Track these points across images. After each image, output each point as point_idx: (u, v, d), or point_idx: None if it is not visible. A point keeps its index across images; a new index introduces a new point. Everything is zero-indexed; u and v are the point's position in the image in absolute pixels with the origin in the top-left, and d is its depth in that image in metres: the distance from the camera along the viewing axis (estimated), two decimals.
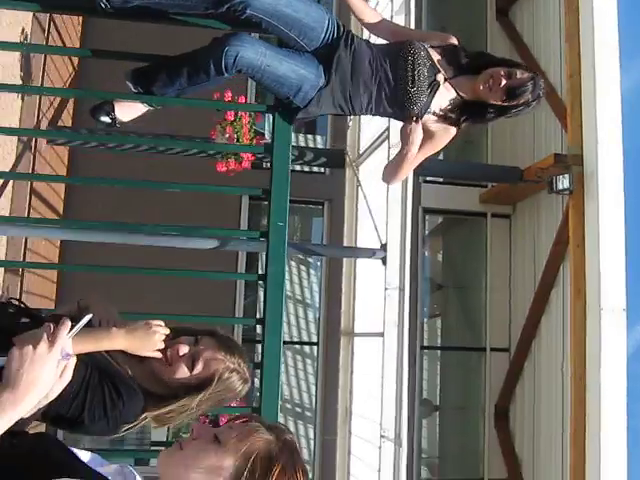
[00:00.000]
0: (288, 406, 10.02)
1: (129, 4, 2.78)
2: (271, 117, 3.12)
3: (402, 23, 6.27)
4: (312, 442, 9.84)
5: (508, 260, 8.84)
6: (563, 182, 6.75)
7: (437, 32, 3.18)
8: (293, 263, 10.16)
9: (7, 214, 7.04)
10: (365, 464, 7.36)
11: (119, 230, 5.77)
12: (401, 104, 2.96)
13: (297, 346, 10.28)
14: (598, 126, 6.60)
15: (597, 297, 6.37)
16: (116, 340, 2.17)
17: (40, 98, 7.88)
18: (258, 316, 9.40)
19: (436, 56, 3.01)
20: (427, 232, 9.55)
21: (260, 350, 3.02)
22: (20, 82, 6.96)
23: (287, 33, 2.85)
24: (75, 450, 1.47)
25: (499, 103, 3.00)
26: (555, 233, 7.43)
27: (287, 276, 3.10)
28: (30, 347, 1.35)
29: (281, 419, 3.02)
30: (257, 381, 2.99)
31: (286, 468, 1.36)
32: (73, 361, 1.41)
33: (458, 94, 3.03)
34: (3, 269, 7.00)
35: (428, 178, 8.79)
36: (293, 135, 3.20)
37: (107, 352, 2.20)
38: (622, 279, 6.41)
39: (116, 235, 5.94)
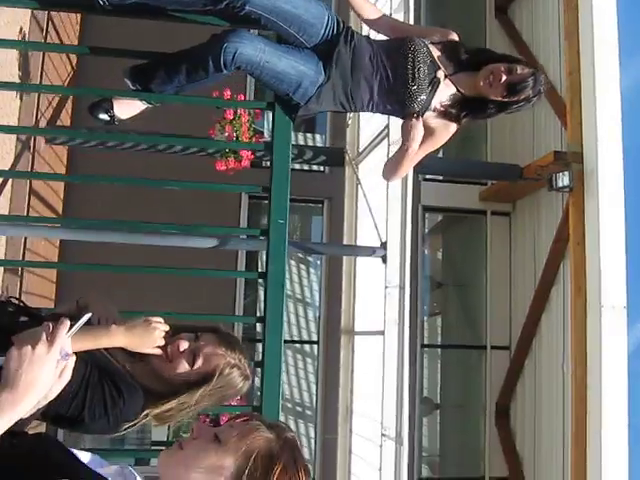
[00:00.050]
0: (289, 405, 10.01)
1: (127, 1, 2.77)
2: (270, 115, 3.11)
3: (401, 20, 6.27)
4: (313, 441, 9.83)
5: (508, 258, 8.83)
6: (563, 180, 6.74)
7: (437, 28, 3.15)
8: (293, 262, 10.15)
9: (6, 214, 7.03)
10: (366, 463, 7.36)
11: (119, 229, 5.77)
12: (402, 101, 2.95)
13: (297, 345, 10.27)
14: (598, 123, 6.59)
15: (597, 295, 6.37)
16: (116, 337, 2.16)
17: (39, 98, 7.86)
18: (258, 315, 9.42)
19: (436, 52, 2.99)
20: (427, 230, 9.54)
21: (261, 349, 3.01)
22: (18, 81, 6.95)
23: (286, 29, 2.83)
24: (75, 451, 1.46)
25: (499, 99, 2.99)
26: (555, 231, 7.43)
27: (287, 275, 3.07)
28: (29, 347, 1.34)
29: (282, 418, 3.01)
30: (258, 380, 2.98)
31: (287, 466, 1.35)
32: (72, 361, 1.40)
33: (458, 90, 3.01)
34: (2, 269, 6.99)
35: (428, 176, 8.79)
36: (292, 134, 3.19)
37: (107, 350, 2.19)
38: (622, 276, 6.40)
39: (116, 234, 5.94)
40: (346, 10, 6.76)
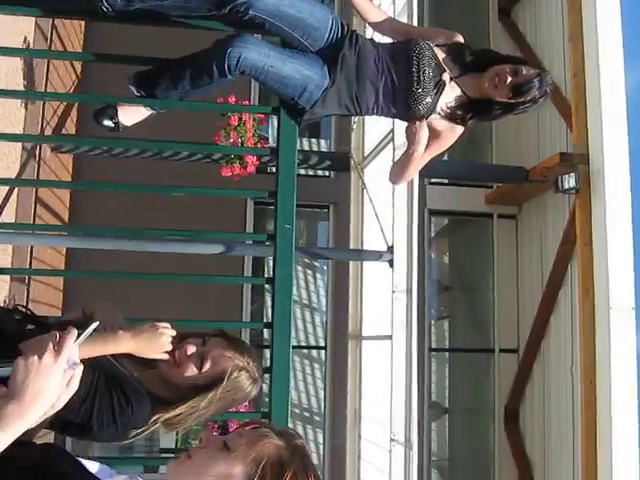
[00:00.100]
0: (297, 411, 9.99)
1: (131, 7, 2.76)
2: (275, 121, 3.10)
3: None
4: (321, 447, 9.81)
5: (515, 261, 8.80)
6: (569, 181, 6.72)
7: (443, 30, 3.14)
8: (299, 267, 10.14)
9: (12, 222, 7.03)
10: (375, 468, 7.34)
11: (125, 236, 5.76)
12: (407, 104, 2.94)
13: (305, 350, 10.26)
14: (603, 124, 6.57)
15: (606, 296, 6.34)
16: (123, 343, 2.15)
17: (44, 106, 7.88)
18: (265, 321, 9.40)
19: (441, 55, 2.98)
20: (433, 234, 9.52)
21: (268, 355, 3.00)
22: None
23: (290, 33, 2.82)
24: (83, 461, 1.45)
25: (505, 100, 2.97)
26: (562, 232, 7.40)
27: (294, 280, 3.06)
28: (35, 357, 1.32)
29: (290, 424, 3.00)
30: (265, 387, 2.96)
31: (297, 473, 1.34)
32: (80, 370, 1.39)
33: (464, 92, 3.00)
34: (9, 278, 7.00)
35: (433, 180, 8.77)
36: (297, 139, 3.18)
37: (114, 357, 2.18)
38: (631, 277, 6.37)
39: (122, 242, 5.94)
40: (349, 13, 6.76)
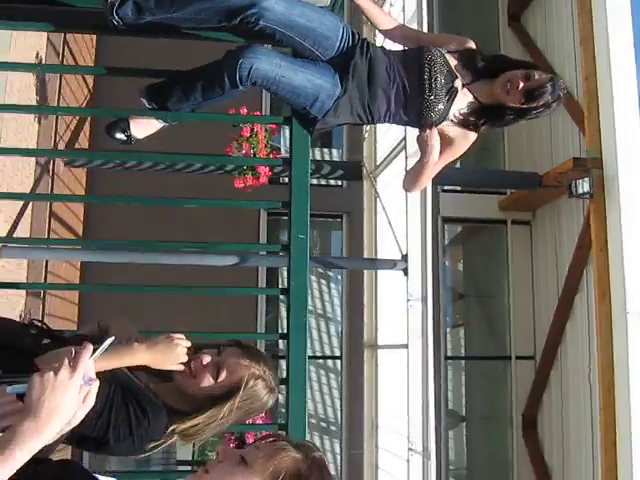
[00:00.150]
0: (313, 421, 9.96)
1: (141, 20, 2.77)
2: (287, 132, 3.10)
3: None
4: (338, 457, 9.78)
5: (530, 267, 8.76)
6: (583, 186, 6.69)
7: (454, 36, 3.13)
8: (313, 277, 10.13)
9: (27, 237, 7.06)
10: (393, 478, 7.30)
11: (139, 249, 5.78)
12: (419, 111, 2.93)
13: (320, 360, 10.24)
14: (616, 128, 6.54)
15: (622, 301, 6.30)
16: (138, 355, 2.14)
17: (57, 121, 7.93)
18: (280, 331, 9.39)
19: (453, 61, 2.97)
20: (447, 241, 9.48)
21: (284, 366, 2.99)
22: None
23: (301, 43, 2.82)
24: (101, 477, 1.45)
25: (518, 106, 2.96)
26: (577, 238, 7.36)
27: (308, 290, 3.05)
28: (51, 373, 1.32)
29: (307, 435, 2.98)
30: (281, 398, 2.95)
31: None
32: (96, 386, 1.38)
33: (476, 99, 2.99)
34: (25, 292, 7.03)
35: (446, 187, 8.74)
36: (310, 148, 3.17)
37: (130, 370, 2.18)
38: None
39: (136, 255, 5.95)
40: (359, 22, 6.76)
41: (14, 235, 6.75)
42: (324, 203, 8.58)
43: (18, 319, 6.52)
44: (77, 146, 8.92)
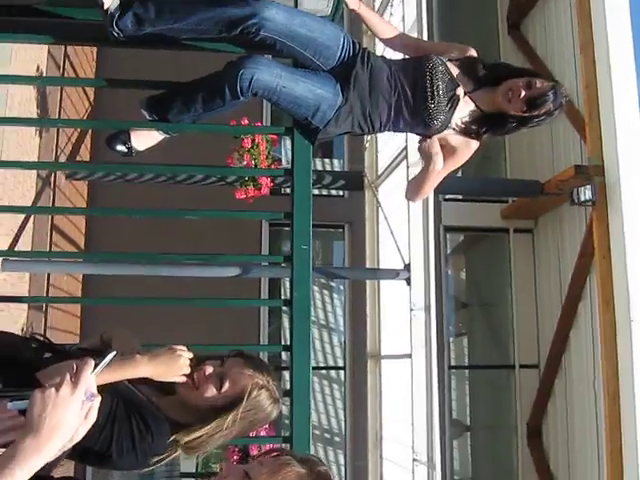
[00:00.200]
0: (317, 432, 9.93)
1: (141, 31, 2.76)
2: (288, 142, 3.09)
3: None
4: (343, 468, 9.73)
5: (533, 275, 8.73)
6: (585, 193, 6.67)
7: (455, 44, 3.13)
8: (316, 287, 10.11)
9: (29, 250, 7.06)
10: None
11: (141, 262, 5.76)
12: (421, 120, 2.93)
13: (323, 371, 10.21)
14: (618, 135, 6.52)
15: (626, 309, 6.27)
16: (141, 367, 2.13)
17: (58, 134, 7.93)
18: (283, 342, 9.37)
19: (455, 70, 2.97)
20: (449, 250, 9.47)
21: (287, 377, 2.97)
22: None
23: (302, 53, 2.81)
24: None
25: (520, 114, 2.95)
26: (579, 245, 7.34)
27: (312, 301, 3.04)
28: (52, 390, 1.30)
29: (311, 446, 2.96)
30: (285, 409, 2.92)
31: None
32: (98, 401, 1.36)
33: (478, 107, 2.98)
34: (27, 305, 7.01)
35: (448, 196, 8.74)
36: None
37: (132, 384, 2.16)
38: None
39: (138, 267, 5.94)
40: (358, 32, 6.76)
41: (16, 248, 6.74)
42: (326, 213, 8.56)
43: (20, 332, 6.51)
44: (78, 159, 8.92)
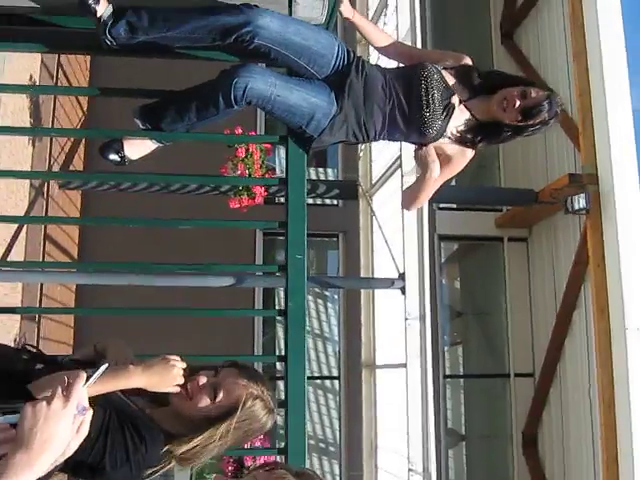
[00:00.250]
0: (311, 442, 9.89)
1: (134, 40, 2.75)
2: (282, 152, 3.08)
3: None
4: (338, 479, 9.70)
5: (527, 284, 8.74)
6: (579, 202, 6.68)
7: (450, 52, 3.12)
8: (310, 297, 10.09)
9: (21, 260, 7.03)
10: None
11: (134, 271, 5.74)
12: (416, 129, 2.91)
13: (318, 381, 10.17)
14: (611, 144, 6.55)
15: (621, 317, 6.27)
16: (134, 377, 2.11)
17: (51, 143, 7.91)
18: (277, 352, 9.33)
19: (450, 78, 2.96)
20: (444, 259, 9.46)
21: (282, 387, 2.95)
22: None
23: (296, 61, 2.80)
24: None
25: (515, 123, 2.94)
26: (574, 254, 7.34)
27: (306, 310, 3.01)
28: (44, 403, 1.28)
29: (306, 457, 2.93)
30: (280, 419, 2.90)
31: None
32: (90, 415, 1.34)
33: (473, 116, 2.98)
34: (20, 316, 6.97)
35: (442, 205, 8.74)
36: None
37: (125, 395, 2.14)
38: None
39: (131, 277, 5.91)
40: (352, 41, 6.75)
41: (8, 258, 6.71)
42: (320, 222, 8.55)
43: (12, 343, 6.47)
44: (72, 168, 8.89)
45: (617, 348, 6.30)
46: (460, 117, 2.96)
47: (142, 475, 2.12)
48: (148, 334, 6.07)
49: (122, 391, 2.12)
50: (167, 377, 2.14)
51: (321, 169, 10.80)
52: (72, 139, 8.94)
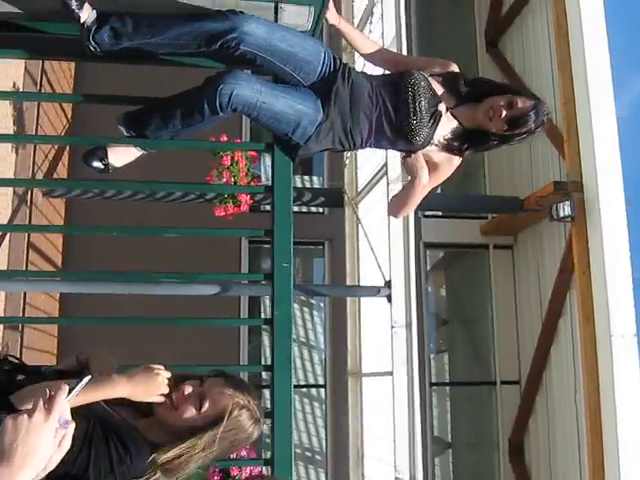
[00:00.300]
0: (298, 451, 9.84)
1: (118, 46, 2.72)
2: (268, 160, 3.06)
3: None
4: None
5: (513, 291, 8.75)
6: (564, 209, 6.70)
7: (437, 59, 3.11)
8: (295, 305, 10.06)
9: (4, 269, 6.97)
10: None
11: (119, 280, 5.70)
12: (403, 136, 2.90)
13: (304, 389, 10.14)
14: (596, 151, 6.58)
15: (606, 324, 6.29)
16: (119, 387, 2.08)
17: (34, 150, 7.86)
18: (263, 361, 9.29)
19: (436, 85, 2.95)
20: (429, 267, 9.47)
21: (268, 396, 2.92)
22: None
23: (282, 68, 2.78)
24: None
25: (501, 132, 2.94)
26: (559, 261, 7.36)
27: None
28: (25, 416, 1.25)
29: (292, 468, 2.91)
30: (266, 428, 2.87)
31: None
32: (72, 428, 1.31)
33: (460, 123, 2.97)
34: (2, 326, 6.91)
35: (427, 212, 8.75)
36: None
37: (108, 405, 2.11)
38: (630, 304, 6.33)
39: (116, 285, 5.87)
40: (338, 49, 6.75)
41: None
42: (306, 230, 8.55)
43: None
44: (55, 176, 8.84)
45: (603, 355, 6.31)
46: (447, 124, 2.95)
47: None
48: (133, 343, 6.02)
49: (105, 401, 2.09)
50: (152, 386, 2.11)
51: (307, 177, 10.79)
52: (56, 146, 8.89)
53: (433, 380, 9.08)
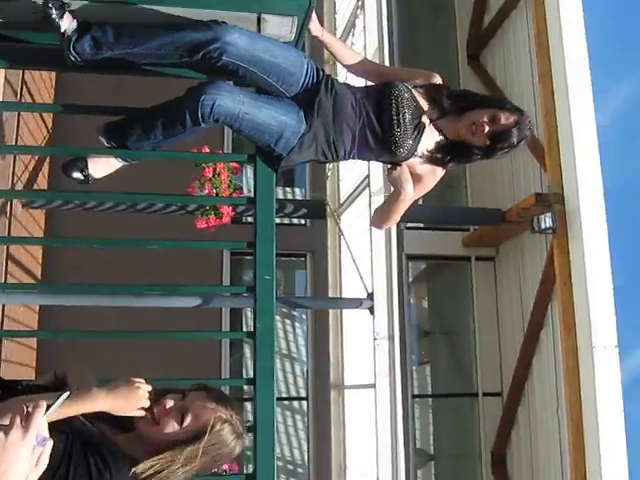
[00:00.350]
0: (280, 463, 9.79)
1: (99, 56, 2.69)
2: (250, 171, 3.04)
3: None
4: None
5: (495, 303, 8.77)
6: (545, 221, 6.73)
7: (421, 70, 3.11)
8: (277, 317, 10.03)
9: None
10: None
11: (99, 292, 5.65)
12: (387, 148, 2.89)
13: (286, 402, 10.10)
14: (577, 164, 6.61)
15: (588, 335, 6.31)
16: (98, 400, 2.04)
17: (14, 161, 7.80)
18: (245, 374, 9.23)
19: (420, 97, 2.94)
20: (411, 279, 9.47)
21: (250, 409, 2.89)
22: None
23: (265, 79, 2.77)
24: None
25: (484, 146, 2.94)
26: (541, 273, 7.39)
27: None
28: (1, 434, 1.22)
29: None
30: (248, 441, 2.84)
31: None
32: (49, 446, 1.28)
33: (443, 135, 2.96)
34: None
35: (409, 224, 8.75)
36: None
37: (87, 419, 2.07)
38: (612, 315, 6.35)
39: (96, 298, 5.82)
40: (321, 60, 6.75)
41: None
42: (288, 242, 8.51)
43: None
44: (35, 187, 8.77)
45: (584, 366, 6.33)
46: (430, 136, 2.94)
47: None
48: (113, 356, 5.97)
49: (84, 415, 2.05)
50: (132, 399, 2.08)
51: (289, 188, 10.78)
52: (36, 157, 8.82)
53: (415, 392, 9.08)
